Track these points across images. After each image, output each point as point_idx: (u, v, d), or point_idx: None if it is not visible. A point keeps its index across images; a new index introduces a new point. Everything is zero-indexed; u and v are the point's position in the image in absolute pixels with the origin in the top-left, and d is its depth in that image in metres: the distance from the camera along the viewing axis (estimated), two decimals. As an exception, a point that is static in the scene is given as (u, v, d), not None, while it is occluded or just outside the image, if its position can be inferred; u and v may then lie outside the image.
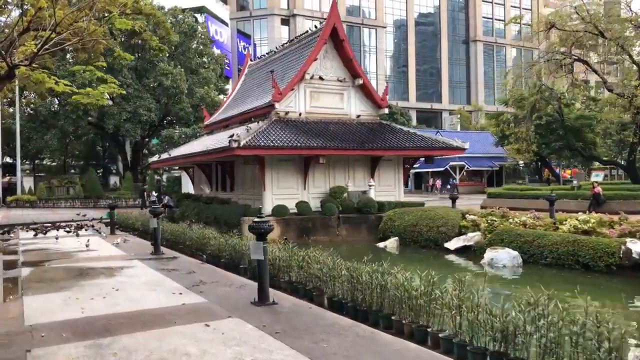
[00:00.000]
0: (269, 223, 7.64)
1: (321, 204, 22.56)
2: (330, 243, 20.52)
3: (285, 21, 77.48)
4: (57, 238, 17.23)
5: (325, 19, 26.20)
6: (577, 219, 15.17)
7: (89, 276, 10.16)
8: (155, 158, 32.27)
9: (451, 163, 56.84)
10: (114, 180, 55.53)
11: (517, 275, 14.07)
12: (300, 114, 23.81)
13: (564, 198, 30.34)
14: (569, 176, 57.04)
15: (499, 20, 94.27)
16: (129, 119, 44.57)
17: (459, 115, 79.48)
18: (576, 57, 31.18)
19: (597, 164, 61.59)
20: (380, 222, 20.94)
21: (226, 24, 72.57)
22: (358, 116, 25.34)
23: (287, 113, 23.51)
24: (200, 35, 52.78)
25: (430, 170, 60.60)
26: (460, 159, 55.22)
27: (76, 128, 47.02)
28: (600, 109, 53.04)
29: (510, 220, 16.59)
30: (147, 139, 51.88)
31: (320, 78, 24.38)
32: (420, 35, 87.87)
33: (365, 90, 25.53)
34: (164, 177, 49.71)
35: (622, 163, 36.28)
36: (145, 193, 36.63)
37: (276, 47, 30.19)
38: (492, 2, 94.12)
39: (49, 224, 21.99)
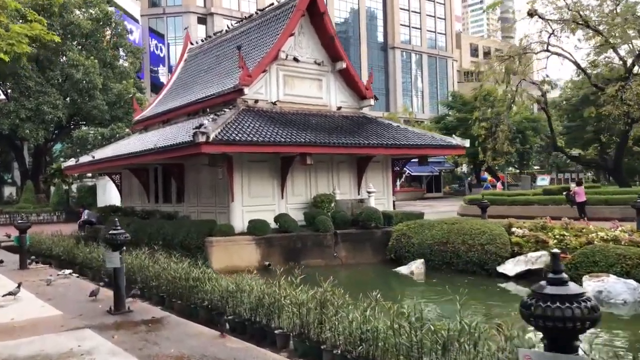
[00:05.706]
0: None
1: (305, 216, 17.59)
2: (328, 268, 15.69)
3: (202, 20, 71.29)
4: None
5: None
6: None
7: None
8: (70, 162, 25.49)
9: (392, 168, 53.73)
10: (9, 191, 46.71)
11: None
12: (273, 103, 18.79)
13: (550, 204, 27.62)
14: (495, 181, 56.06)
15: (416, 28, 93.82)
16: (29, 118, 36.76)
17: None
18: (555, 51, 28.62)
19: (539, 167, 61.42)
20: (390, 240, 16.31)
21: (137, 21, 65.36)
22: (339, 108, 20.75)
23: (256, 101, 18.40)
24: (114, 24, 45.71)
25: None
26: (402, 163, 52.21)
27: (-43, 129, 38.29)
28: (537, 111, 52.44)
29: (592, 235, 12.63)
30: (52, 142, 43.84)
31: (295, 59, 19.52)
32: (340, 41, 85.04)
33: (347, 77, 20.99)
34: (74, 187, 41.98)
35: (606, 164, 34.34)
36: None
37: (227, 27, 24.82)
38: (409, 10, 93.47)
39: None
